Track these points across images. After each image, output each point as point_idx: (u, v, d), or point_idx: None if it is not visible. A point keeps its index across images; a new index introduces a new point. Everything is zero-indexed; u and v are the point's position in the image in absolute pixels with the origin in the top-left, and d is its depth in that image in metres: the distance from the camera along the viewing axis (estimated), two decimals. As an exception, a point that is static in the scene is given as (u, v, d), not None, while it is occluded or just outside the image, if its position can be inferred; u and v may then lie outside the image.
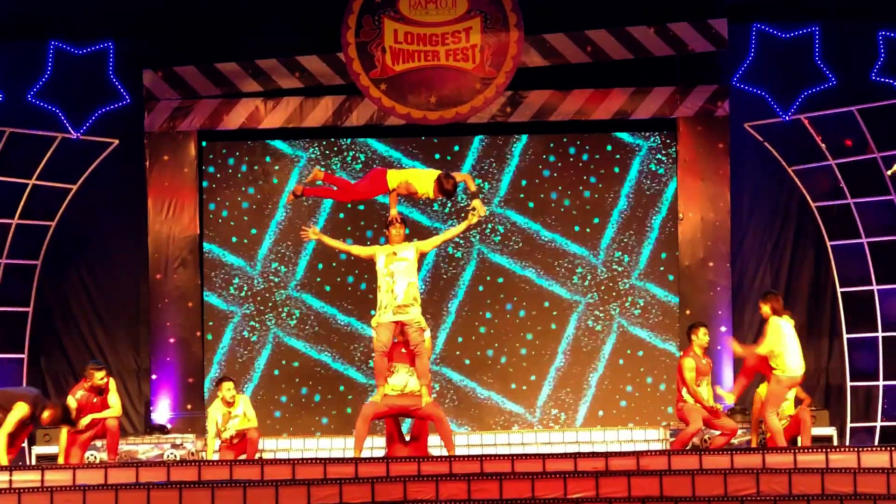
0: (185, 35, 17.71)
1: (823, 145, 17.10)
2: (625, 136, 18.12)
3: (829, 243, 17.35)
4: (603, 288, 18.04)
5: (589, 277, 18.02)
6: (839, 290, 17.34)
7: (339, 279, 18.03)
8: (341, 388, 17.96)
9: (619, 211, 18.07)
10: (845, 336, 17.32)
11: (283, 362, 17.98)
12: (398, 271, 13.49)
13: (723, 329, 17.44)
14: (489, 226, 18.03)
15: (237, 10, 17.54)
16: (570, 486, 11.96)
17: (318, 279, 18.05)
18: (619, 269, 18.02)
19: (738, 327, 17.63)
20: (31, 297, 17.16)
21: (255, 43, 17.66)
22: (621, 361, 17.94)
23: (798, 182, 17.35)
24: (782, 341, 14.05)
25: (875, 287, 17.11)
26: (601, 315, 18.01)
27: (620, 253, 18.02)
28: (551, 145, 18.15)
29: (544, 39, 17.45)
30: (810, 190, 17.34)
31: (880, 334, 17.11)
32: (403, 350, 13.65)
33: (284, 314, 18.01)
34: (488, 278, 18.11)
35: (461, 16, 17.01)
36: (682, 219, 17.65)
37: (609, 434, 17.27)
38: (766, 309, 14.29)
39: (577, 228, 18.04)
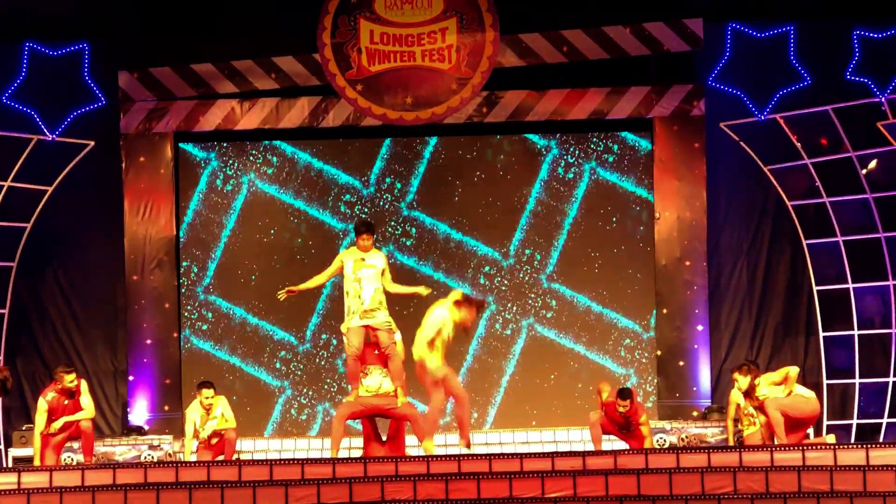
0: (161, 36, 17.67)
1: (799, 144, 17.16)
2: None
3: (804, 242, 17.41)
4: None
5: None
6: (815, 288, 17.40)
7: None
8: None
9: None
10: (821, 334, 17.38)
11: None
12: (366, 277, 13.55)
13: (699, 328, 17.49)
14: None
15: (212, 11, 17.50)
16: (548, 486, 11.98)
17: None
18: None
19: (714, 326, 17.70)
20: (7, 298, 17.12)
21: (230, 44, 17.63)
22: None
23: (774, 181, 17.41)
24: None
25: (851, 285, 17.18)
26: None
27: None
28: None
29: (520, 39, 17.47)
30: (786, 189, 17.40)
31: (856, 332, 17.17)
32: (376, 352, 13.68)
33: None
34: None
35: (437, 16, 17.02)
36: (659, 218, 17.68)
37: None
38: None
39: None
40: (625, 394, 14.54)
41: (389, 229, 17.93)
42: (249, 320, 17.95)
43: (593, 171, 18.01)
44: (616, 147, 18.04)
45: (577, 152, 18.04)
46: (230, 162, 18.08)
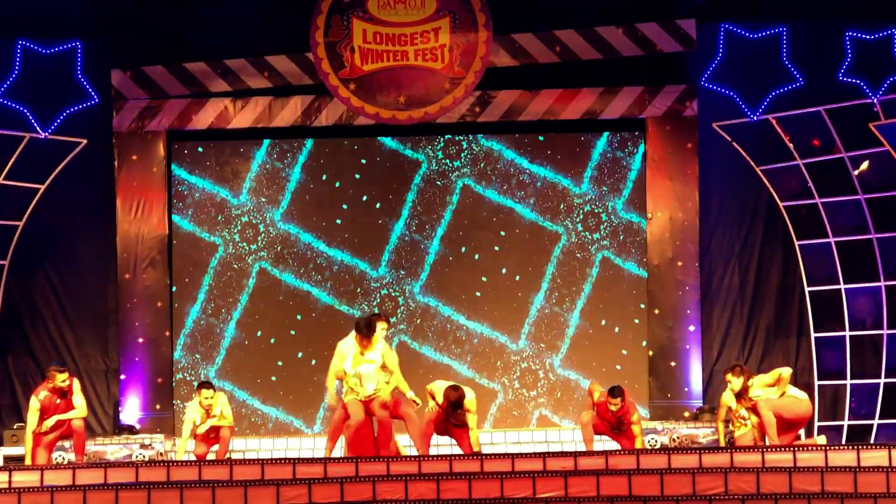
0: (154, 34, 17.66)
1: (791, 145, 17.17)
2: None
3: (796, 243, 17.42)
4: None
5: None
6: (807, 289, 17.41)
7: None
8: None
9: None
10: (813, 335, 17.39)
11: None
12: (366, 374, 13.57)
13: (691, 328, 17.51)
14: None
15: (205, 10, 17.49)
16: (539, 486, 12.01)
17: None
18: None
19: (706, 326, 17.71)
20: (-1, 297, 17.13)
21: (223, 43, 17.62)
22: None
23: (766, 182, 17.42)
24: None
25: (842, 286, 17.18)
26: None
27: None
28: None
29: (513, 39, 17.47)
30: (778, 189, 17.40)
31: (847, 333, 17.18)
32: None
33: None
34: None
35: (430, 16, 17.02)
36: (651, 218, 17.69)
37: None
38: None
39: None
40: (616, 391, 14.56)
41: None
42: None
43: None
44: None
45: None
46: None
